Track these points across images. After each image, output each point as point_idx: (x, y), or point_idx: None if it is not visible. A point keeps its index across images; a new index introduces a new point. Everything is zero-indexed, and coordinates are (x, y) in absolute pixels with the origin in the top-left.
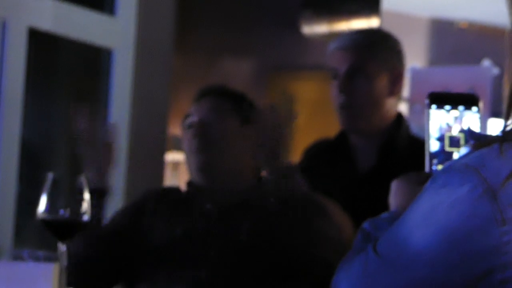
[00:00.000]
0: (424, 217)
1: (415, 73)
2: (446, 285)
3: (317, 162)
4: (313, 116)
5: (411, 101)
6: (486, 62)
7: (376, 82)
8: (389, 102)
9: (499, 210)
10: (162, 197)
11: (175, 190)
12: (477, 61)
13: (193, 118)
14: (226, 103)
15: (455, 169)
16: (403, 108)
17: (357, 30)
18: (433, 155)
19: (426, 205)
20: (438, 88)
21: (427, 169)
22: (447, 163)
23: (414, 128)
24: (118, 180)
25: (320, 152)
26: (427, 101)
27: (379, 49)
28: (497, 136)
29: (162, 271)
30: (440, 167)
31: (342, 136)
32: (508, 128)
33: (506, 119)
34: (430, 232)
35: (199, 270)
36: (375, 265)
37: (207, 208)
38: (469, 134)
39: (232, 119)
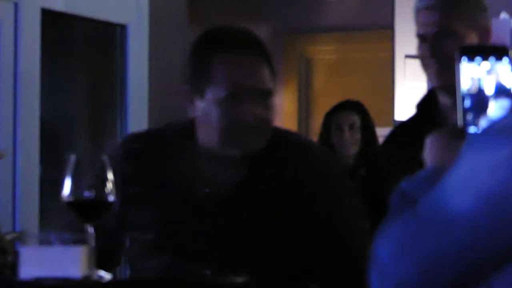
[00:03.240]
0: (464, 181)
1: None
2: (487, 250)
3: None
4: (330, 78)
5: None
6: (504, 15)
7: (466, 41)
8: None
9: None
10: (149, 176)
11: (167, 164)
12: (496, 14)
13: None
14: (268, 70)
15: (493, 132)
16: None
17: None
18: (466, 110)
19: (465, 168)
20: None
21: (459, 123)
22: (484, 124)
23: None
24: None
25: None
26: (457, 55)
27: (467, 5)
28: None
29: (161, 268)
30: (473, 127)
31: (430, 97)
32: None
33: None
34: (471, 197)
35: (204, 269)
36: (415, 230)
37: (205, 193)
38: (499, 89)
39: (272, 80)
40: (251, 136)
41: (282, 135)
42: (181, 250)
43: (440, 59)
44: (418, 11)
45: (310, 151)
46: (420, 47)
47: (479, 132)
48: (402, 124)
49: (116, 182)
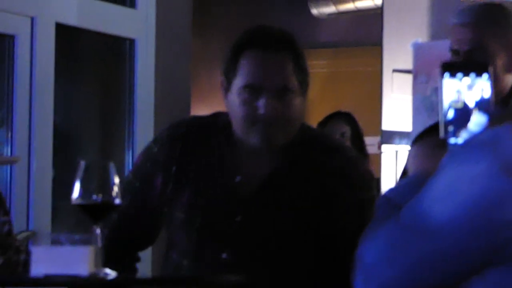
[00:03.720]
0: (445, 192)
1: (418, 48)
2: (467, 255)
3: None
4: (323, 90)
5: (415, 74)
6: None
7: (496, 60)
8: (506, 79)
9: None
10: (183, 159)
11: (199, 144)
12: None
13: (257, 89)
14: (292, 67)
15: (472, 146)
16: (408, 80)
17: (479, 3)
18: (448, 123)
19: (446, 179)
20: (439, 60)
21: (441, 135)
22: (464, 136)
23: (419, 98)
24: None
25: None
26: (440, 70)
27: (500, 26)
28: (510, 113)
29: (187, 245)
30: (454, 139)
31: None
32: None
33: None
34: (451, 206)
35: (221, 252)
36: (399, 236)
37: (236, 181)
38: (479, 104)
39: (297, 93)
40: (266, 129)
41: (318, 136)
42: (206, 230)
43: None
44: (454, 28)
45: (342, 157)
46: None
47: (460, 145)
48: (429, 128)
49: (159, 163)
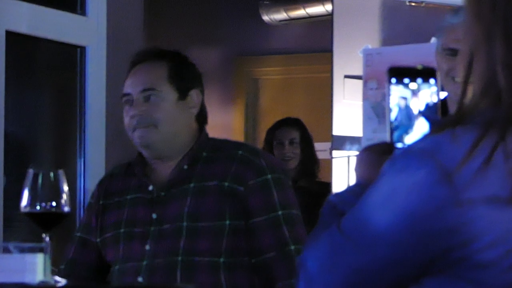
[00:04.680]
0: (384, 199)
1: (368, 53)
2: (406, 263)
3: None
4: (276, 96)
5: (365, 80)
6: (435, 39)
7: None
8: None
9: (455, 192)
10: (108, 193)
11: (120, 177)
12: (427, 39)
13: (130, 97)
14: (163, 73)
15: (412, 154)
16: (359, 85)
17: None
18: (394, 128)
19: (386, 187)
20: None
21: (388, 140)
22: (410, 141)
23: (369, 104)
24: (97, 170)
25: None
26: (387, 75)
27: None
28: (450, 120)
29: (116, 253)
30: (401, 144)
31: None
32: (461, 111)
33: (460, 102)
34: (390, 214)
35: (144, 245)
36: (340, 243)
37: (149, 190)
38: (424, 109)
39: (169, 95)
40: (139, 131)
41: (219, 140)
42: (130, 237)
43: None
44: (452, 27)
45: (242, 148)
46: (447, 61)
47: (400, 152)
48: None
49: (92, 206)
